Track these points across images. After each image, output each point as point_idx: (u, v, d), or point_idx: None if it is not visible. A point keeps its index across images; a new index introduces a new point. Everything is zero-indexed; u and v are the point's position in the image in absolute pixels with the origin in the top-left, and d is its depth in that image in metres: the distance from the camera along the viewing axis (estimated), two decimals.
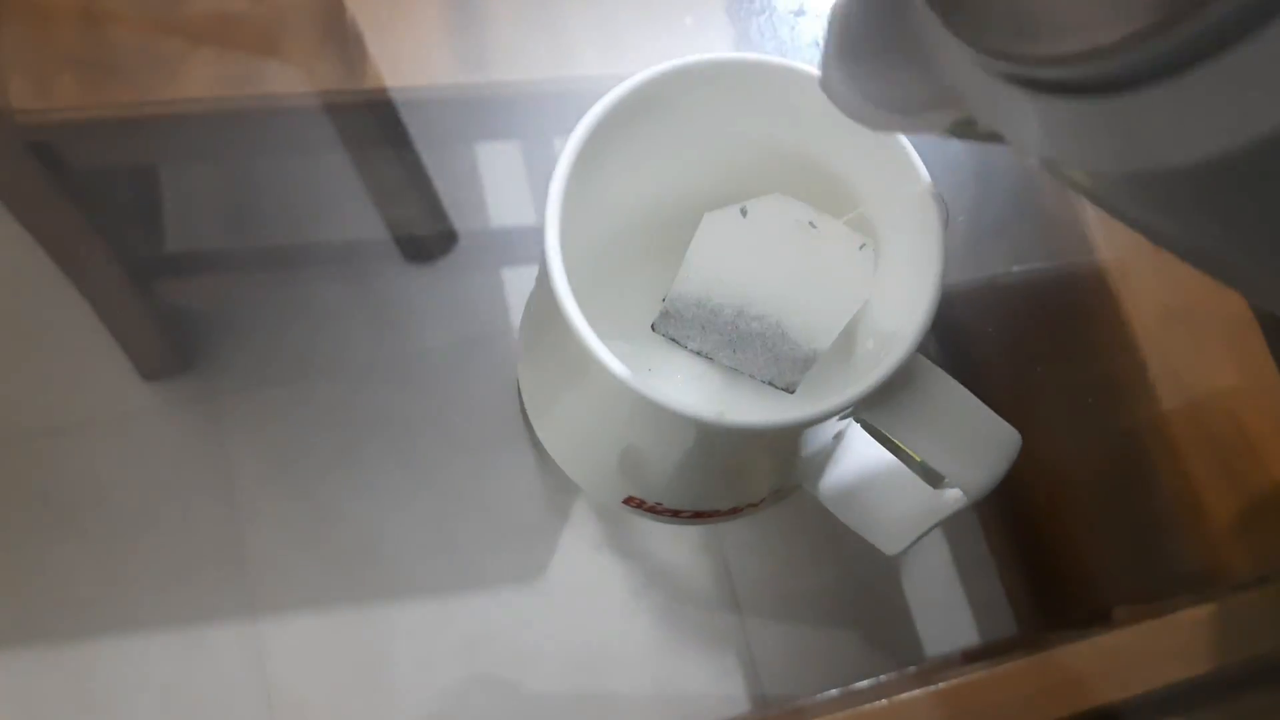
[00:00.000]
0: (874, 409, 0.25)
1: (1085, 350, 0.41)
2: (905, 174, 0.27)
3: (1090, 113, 0.12)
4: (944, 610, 0.38)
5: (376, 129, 0.42)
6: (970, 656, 0.37)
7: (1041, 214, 0.43)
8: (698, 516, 0.30)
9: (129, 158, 0.41)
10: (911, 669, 0.37)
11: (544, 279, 0.25)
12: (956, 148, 0.43)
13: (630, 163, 0.28)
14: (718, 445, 0.26)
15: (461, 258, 0.40)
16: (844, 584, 0.37)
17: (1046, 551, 0.39)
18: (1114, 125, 0.12)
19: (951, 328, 0.40)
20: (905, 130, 0.16)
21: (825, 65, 0.18)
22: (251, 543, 0.35)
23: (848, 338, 0.30)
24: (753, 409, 0.29)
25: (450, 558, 0.35)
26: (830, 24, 0.17)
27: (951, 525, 0.37)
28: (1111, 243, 0.42)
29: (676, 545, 0.36)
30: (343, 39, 0.42)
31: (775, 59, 0.27)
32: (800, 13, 0.44)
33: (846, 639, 0.37)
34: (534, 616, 0.36)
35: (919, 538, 0.28)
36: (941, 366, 0.26)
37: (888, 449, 0.30)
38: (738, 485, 0.29)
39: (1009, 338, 0.41)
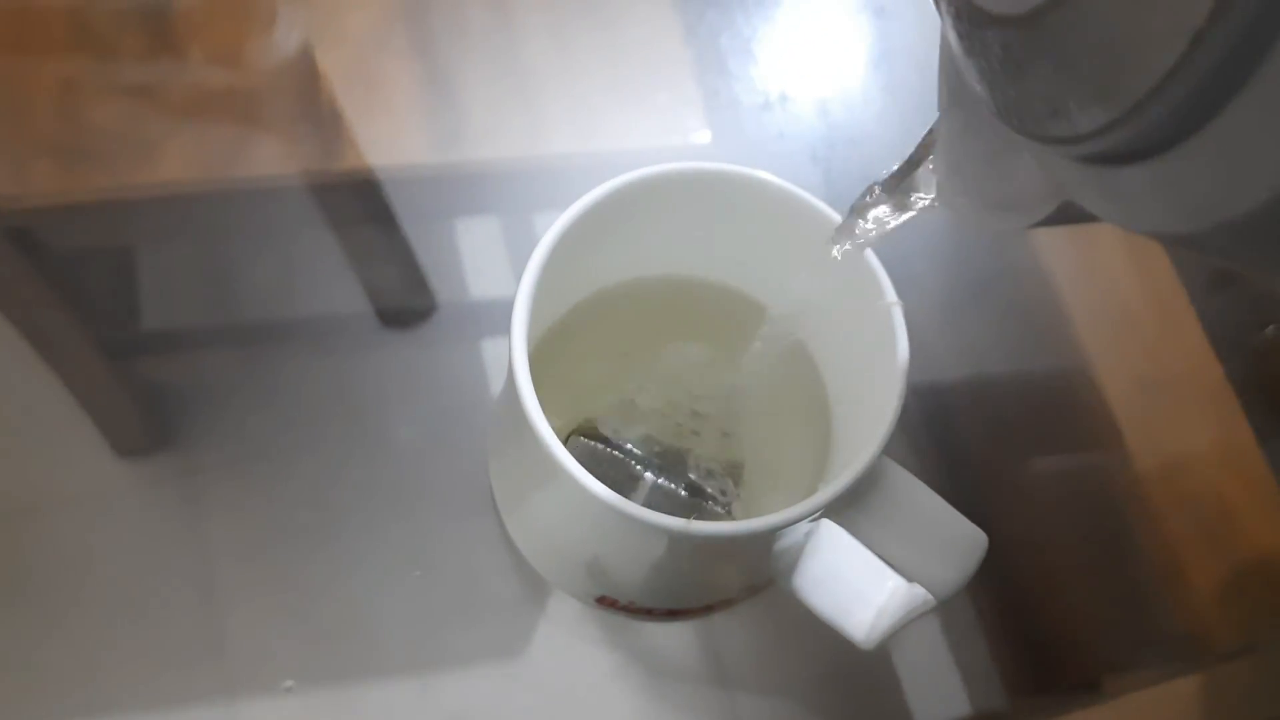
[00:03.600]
0: (840, 512, 0.25)
1: (1066, 422, 0.41)
2: (863, 275, 0.27)
3: (1128, 178, 0.14)
4: (933, 681, 0.37)
5: (354, 207, 0.42)
6: None
7: (1018, 292, 0.43)
8: (671, 615, 0.30)
9: (107, 240, 0.41)
10: None
11: (510, 388, 0.25)
12: (932, 229, 0.44)
13: (595, 251, 0.28)
14: (686, 550, 0.26)
15: (440, 330, 0.40)
16: (833, 655, 0.37)
17: (1035, 621, 0.38)
18: (1141, 191, 0.13)
19: (932, 403, 0.40)
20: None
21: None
22: (229, 622, 0.35)
23: (823, 438, 0.30)
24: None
25: (430, 635, 0.35)
26: (936, 149, 0.20)
27: None
28: (1088, 317, 0.42)
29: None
30: (320, 119, 0.42)
31: (732, 169, 0.28)
32: (766, 107, 0.45)
33: (837, 711, 0.36)
34: (516, 695, 0.35)
35: (893, 631, 0.28)
36: (923, 442, 0.26)
37: (860, 541, 0.30)
38: (709, 585, 0.29)
39: (989, 412, 0.41)
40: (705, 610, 0.30)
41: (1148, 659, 0.39)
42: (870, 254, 0.27)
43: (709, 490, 0.29)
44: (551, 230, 0.27)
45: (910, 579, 0.27)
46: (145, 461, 0.37)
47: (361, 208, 0.42)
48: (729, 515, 0.29)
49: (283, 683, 0.34)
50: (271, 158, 0.41)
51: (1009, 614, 0.38)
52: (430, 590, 0.35)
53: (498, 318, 0.40)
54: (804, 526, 0.26)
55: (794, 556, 0.28)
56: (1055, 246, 0.44)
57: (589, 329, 0.32)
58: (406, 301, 0.40)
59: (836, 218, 0.27)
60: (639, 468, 0.29)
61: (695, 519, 0.24)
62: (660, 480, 0.29)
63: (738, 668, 0.36)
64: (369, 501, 0.36)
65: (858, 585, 0.27)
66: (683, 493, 0.29)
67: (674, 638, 0.35)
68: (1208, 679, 0.36)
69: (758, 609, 0.33)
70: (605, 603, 0.30)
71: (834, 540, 0.27)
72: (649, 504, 0.25)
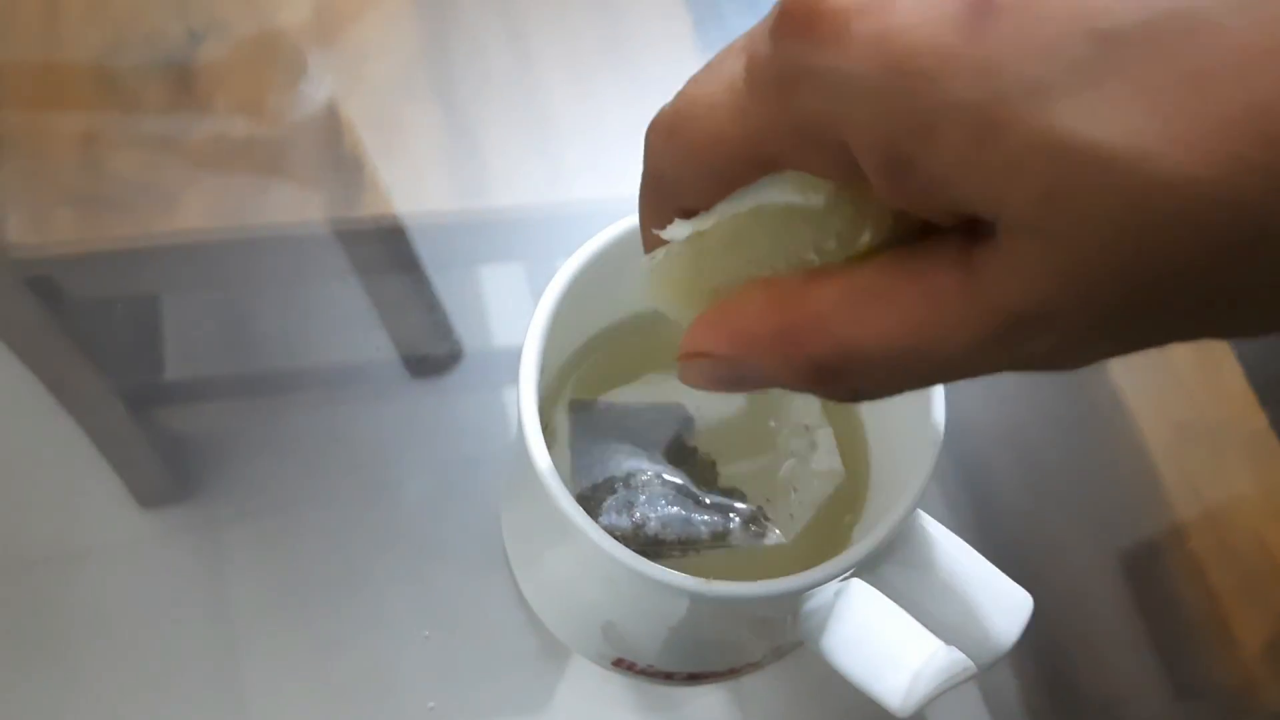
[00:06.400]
0: (872, 570, 0.24)
1: (1103, 471, 0.40)
2: None
3: None
4: None
5: (375, 254, 0.42)
6: None
7: None
8: (692, 679, 0.28)
9: (129, 289, 0.41)
10: None
11: (520, 445, 0.24)
12: None
13: (601, 298, 0.28)
14: (707, 611, 0.24)
15: (462, 378, 0.39)
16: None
17: (1075, 677, 0.37)
18: None
19: (963, 450, 0.39)
20: None
21: None
22: (249, 674, 0.34)
23: (860, 480, 0.29)
24: (745, 567, 0.27)
25: (453, 688, 0.34)
26: None
27: None
28: (1123, 361, 0.41)
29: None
30: (341, 166, 0.42)
31: None
32: None
33: None
34: None
35: (931, 698, 0.26)
36: (955, 491, 0.25)
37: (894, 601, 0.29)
38: (731, 647, 0.27)
39: (1024, 461, 0.40)
40: (729, 674, 0.29)
41: (1193, 717, 0.37)
42: None
43: (740, 507, 0.27)
44: (562, 272, 0.26)
45: (949, 644, 0.25)
46: (167, 512, 0.36)
47: (383, 255, 0.41)
48: (761, 532, 0.28)
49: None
50: (293, 205, 0.41)
51: (1047, 669, 0.37)
52: (453, 642, 0.35)
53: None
54: (833, 585, 0.25)
55: (823, 616, 0.26)
56: None
57: (611, 359, 0.31)
58: (429, 350, 0.40)
59: None
60: (644, 454, 0.27)
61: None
62: (664, 473, 0.26)
63: None
64: (391, 551, 0.36)
65: (892, 647, 0.25)
66: (693, 491, 0.26)
67: (699, 699, 0.34)
68: None
69: (788, 669, 0.32)
70: (622, 665, 0.29)
71: (866, 599, 0.25)
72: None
